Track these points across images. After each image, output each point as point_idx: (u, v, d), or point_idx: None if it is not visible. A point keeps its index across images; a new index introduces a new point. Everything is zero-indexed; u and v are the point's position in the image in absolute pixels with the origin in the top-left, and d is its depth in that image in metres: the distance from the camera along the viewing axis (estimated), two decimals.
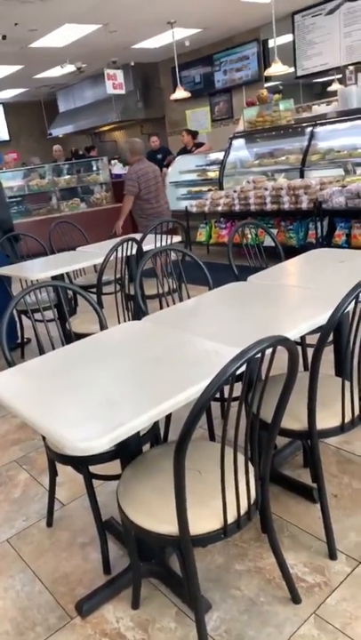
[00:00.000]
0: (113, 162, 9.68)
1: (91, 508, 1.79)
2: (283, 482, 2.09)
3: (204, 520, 1.33)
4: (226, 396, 1.27)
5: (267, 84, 8.21)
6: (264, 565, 1.73)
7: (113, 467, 1.71)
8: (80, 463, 1.74)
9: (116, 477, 1.59)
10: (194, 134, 8.18)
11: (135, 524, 1.38)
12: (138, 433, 1.46)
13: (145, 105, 10.18)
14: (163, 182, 5.44)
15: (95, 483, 1.82)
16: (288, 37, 7.78)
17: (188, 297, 2.38)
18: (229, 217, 6.32)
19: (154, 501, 1.41)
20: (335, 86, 7.25)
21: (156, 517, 1.36)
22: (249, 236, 3.04)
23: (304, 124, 5.81)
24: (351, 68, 6.88)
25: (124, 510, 1.42)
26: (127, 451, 1.62)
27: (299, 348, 2.38)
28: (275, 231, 5.54)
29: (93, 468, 1.76)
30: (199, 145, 7.97)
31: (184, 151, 7.95)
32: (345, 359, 1.85)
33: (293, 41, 7.80)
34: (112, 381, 1.51)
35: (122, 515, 1.43)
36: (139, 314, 2.39)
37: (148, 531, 1.36)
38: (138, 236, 3.52)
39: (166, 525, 1.32)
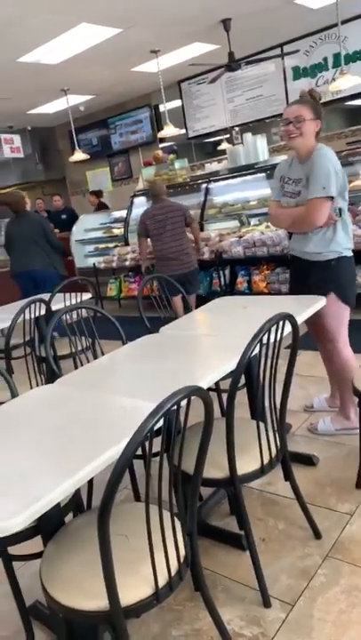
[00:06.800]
0: None
1: (13, 595, 1.64)
2: (211, 533, 2.07)
3: (134, 588, 1.27)
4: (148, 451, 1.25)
5: (162, 145, 8.68)
6: (201, 626, 1.67)
7: (35, 544, 1.60)
8: None
9: (39, 555, 1.48)
10: (98, 194, 8.39)
11: (62, 604, 1.28)
12: (58, 504, 1.38)
13: (45, 167, 10.29)
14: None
15: (16, 565, 1.68)
16: (177, 102, 8.36)
17: (103, 353, 2.36)
18: (137, 271, 6.43)
19: (80, 577, 1.32)
20: (224, 145, 7.84)
21: (84, 594, 1.28)
22: (157, 288, 3.12)
23: (199, 181, 6.17)
24: (237, 129, 7.49)
25: (48, 591, 1.32)
26: (48, 525, 1.52)
27: (214, 394, 2.45)
28: None
29: (12, 549, 1.63)
30: (104, 206, 8.17)
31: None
32: (257, 401, 1.91)
33: (182, 106, 8.40)
34: (25, 453, 1.44)
35: (46, 597, 1.33)
36: (52, 376, 2.31)
37: (76, 610, 1.27)
38: (46, 297, 3.47)
39: (95, 601, 1.25)
